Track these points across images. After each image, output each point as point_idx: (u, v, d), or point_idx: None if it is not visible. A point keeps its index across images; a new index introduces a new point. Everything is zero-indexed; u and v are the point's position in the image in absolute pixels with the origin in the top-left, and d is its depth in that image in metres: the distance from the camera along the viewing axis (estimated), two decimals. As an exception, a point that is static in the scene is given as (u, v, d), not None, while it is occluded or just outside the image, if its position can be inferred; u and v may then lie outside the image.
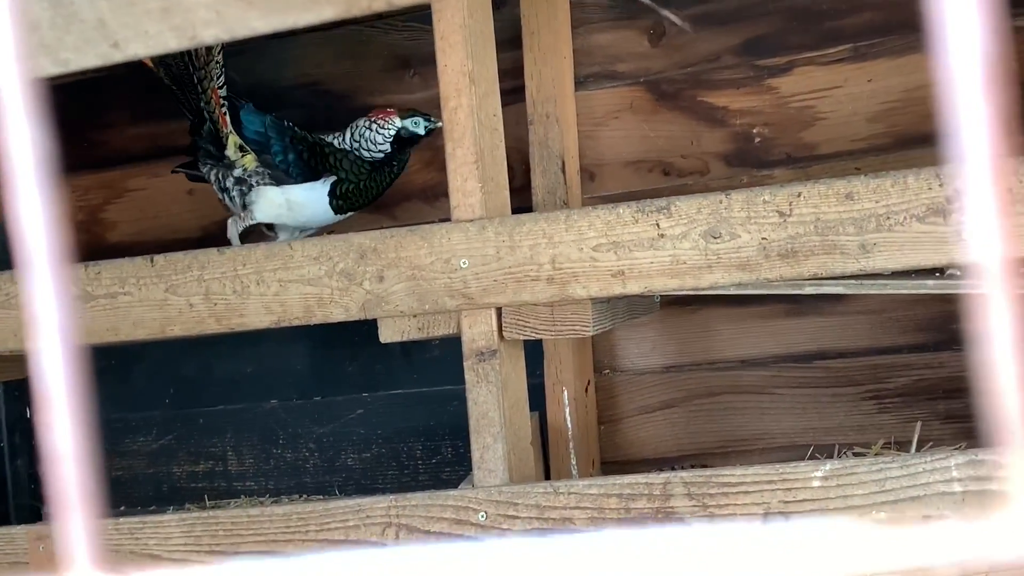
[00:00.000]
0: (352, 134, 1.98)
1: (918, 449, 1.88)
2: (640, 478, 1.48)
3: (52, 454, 0.35)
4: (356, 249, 1.62)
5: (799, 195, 1.43)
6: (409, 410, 2.28)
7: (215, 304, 1.69)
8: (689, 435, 2.12)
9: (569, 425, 2.03)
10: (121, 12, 0.53)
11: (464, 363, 1.59)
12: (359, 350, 2.29)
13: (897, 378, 2.02)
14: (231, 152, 2.00)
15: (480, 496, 1.52)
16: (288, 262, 1.65)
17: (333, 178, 1.98)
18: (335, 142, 2.00)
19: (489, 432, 1.58)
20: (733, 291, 1.53)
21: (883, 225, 1.41)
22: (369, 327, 1.70)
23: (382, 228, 1.87)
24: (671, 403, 2.13)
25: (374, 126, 1.96)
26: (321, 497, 2.27)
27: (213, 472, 2.39)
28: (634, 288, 1.50)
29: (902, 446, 1.94)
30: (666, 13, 1.97)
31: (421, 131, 1.96)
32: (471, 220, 1.57)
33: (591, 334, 1.62)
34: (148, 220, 2.46)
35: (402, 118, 1.96)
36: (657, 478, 1.47)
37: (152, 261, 1.72)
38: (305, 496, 2.31)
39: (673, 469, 1.94)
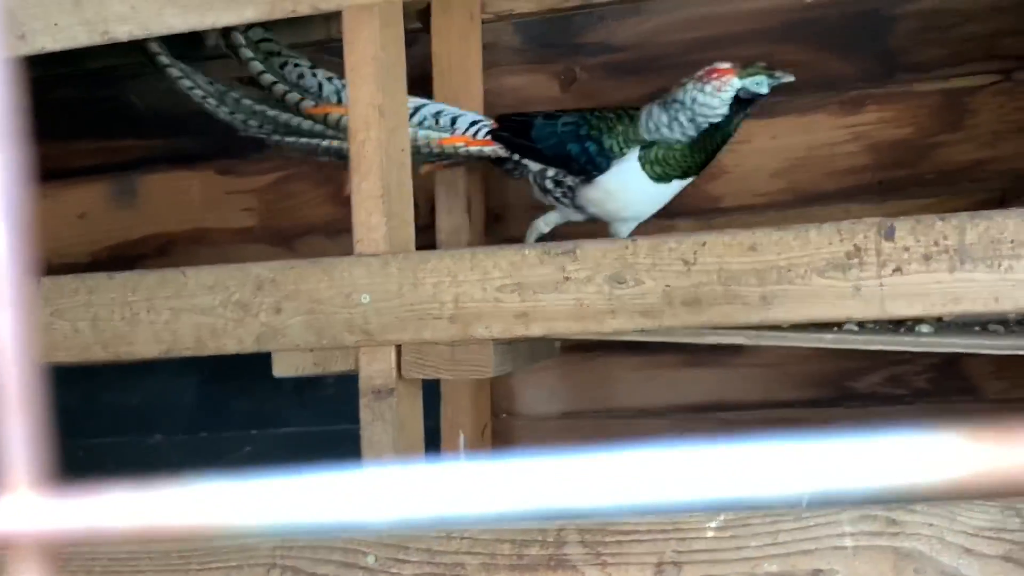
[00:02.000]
0: (681, 97, 1.73)
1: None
2: (534, 524, 1.46)
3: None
4: (253, 280, 1.58)
5: (704, 244, 1.43)
6: (299, 449, 2.22)
7: (103, 331, 1.63)
8: (583, 483, 2.11)
9: (463, 469, 2.00)
10: (30, 2, 0.50)
11: (360, 400, 1.56)
12: (250, 385, 2.23)
13: (791, 432, 2.04)
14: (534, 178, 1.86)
15: (370, 539, 1.48)
16: (181, 290, 1.60)
17: (636, 150, 1.78)
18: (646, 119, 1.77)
19: (383, 472, 1.54)
20: (635, 337, 1.53)
21: (784, 277, 1.42)
22: (262, 361, 1.65)
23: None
24: (568, 449, 2.12)
25: (707, 88, 1.70)
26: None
27: (90, 507, 2.31)
28: (537, 330, 1.48)
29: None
30: None
31: (764, 90, 1.70)
32: (375, 255, 1.54)
33: (492, 375, 1.60)
34: (35, 243, 2.37)
35: (741, 77, 1.69)
36: (551, 525, 1.45)
37: (38, 283, 1.65)
38: (186, 535, 2.24)
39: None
